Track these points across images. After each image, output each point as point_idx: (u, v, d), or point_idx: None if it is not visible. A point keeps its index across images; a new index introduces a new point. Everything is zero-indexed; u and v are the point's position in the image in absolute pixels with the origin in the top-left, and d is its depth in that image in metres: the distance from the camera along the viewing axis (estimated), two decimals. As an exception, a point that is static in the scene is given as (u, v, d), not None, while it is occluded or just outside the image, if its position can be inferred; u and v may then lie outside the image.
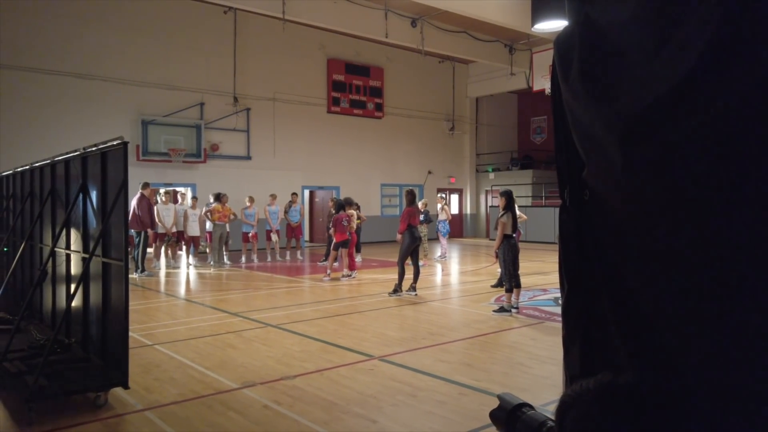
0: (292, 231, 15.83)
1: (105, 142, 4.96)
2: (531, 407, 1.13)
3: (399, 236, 9.96)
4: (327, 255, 14.77)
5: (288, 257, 15.97)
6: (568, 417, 0.82)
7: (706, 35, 0.72)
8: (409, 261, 9.86)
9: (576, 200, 1.08)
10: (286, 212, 15.69)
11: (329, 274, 12.03)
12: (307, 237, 20.98)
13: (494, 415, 1.21)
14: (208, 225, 14.50)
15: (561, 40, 1.10)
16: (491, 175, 26.05)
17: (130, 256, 11.75)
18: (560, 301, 1.20)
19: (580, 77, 0.99)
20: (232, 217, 14.25)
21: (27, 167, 7.84)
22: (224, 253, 14.55)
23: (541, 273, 12.54)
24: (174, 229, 14.19)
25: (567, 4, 1.12)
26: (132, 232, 12.27)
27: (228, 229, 14.78)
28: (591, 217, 1.04)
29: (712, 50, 0.72)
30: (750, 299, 0.73)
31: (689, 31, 0.75)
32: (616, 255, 0.97)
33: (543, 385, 5.11)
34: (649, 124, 0.82)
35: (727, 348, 0.75)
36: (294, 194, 16.27)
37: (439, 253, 16.31)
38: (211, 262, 14.18)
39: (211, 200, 14.49)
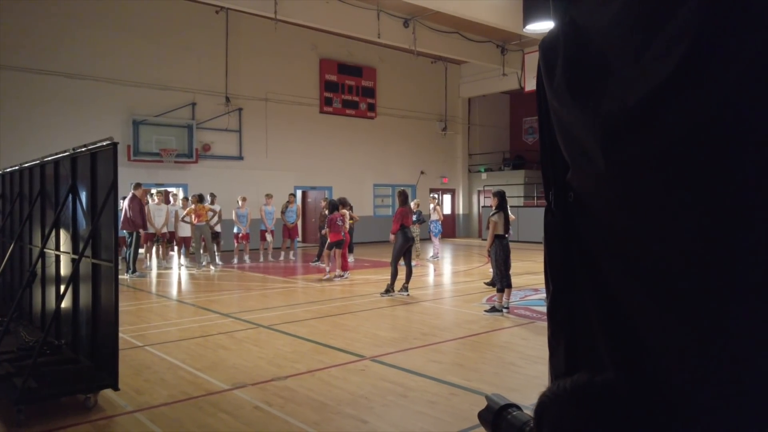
0: (289, 231, 15.80)
1: (94, 143, 4.93)
2: (518, 408, 1.14)
3: (392, 236, 9.97)
4: (319, 255, 14.76)
5: (282, 257, 15.93)
6: (545, 417, 0.83)
7: (686, 41, 0.73)
8: (401, 261, 9.87)
9: (561, 202, 1.09)
10: (283, 213, 15.66)
11: (328, 274, 11.98)
12: (300, 237, 20.96)
13: (482, 416, 1.22)
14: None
15: (546, 44, 1.11)
16: (483, 176, 26.11)
17: (120, 257, 11.72)
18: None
19: (564, 80, 1.00)
20: (211, 214, 14.11)
21: (16, 168, 7.79)
22: (216, 253, 14.47)
23: (533, 273, 12.58)
24: (164, 230, 14.13)
25: (552, 8, 1.13)
26: (124, 232, 12.21)
27: (219, 229, 14.71)
28: (575, 218, 1.04)
29: (691, 55, 0.73)
30: (731, 300, 0.73)
31: (669, 37, 0.76)
32: (599, 256, 0.98)
33: (533, 385, 5.13)
34: (630, 126, 0.83)
35: (706, 349, 0.76)
36: (291, 195, 16.25)
37: (431, 254, 16.33)
38: (203, 263, 14.11)
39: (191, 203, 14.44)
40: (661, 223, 0.83)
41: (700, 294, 0.77)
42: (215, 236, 14.57)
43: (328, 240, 12.11)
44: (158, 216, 13.87)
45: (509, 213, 8.83)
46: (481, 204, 25.49)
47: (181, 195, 16.38)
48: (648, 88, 0.81)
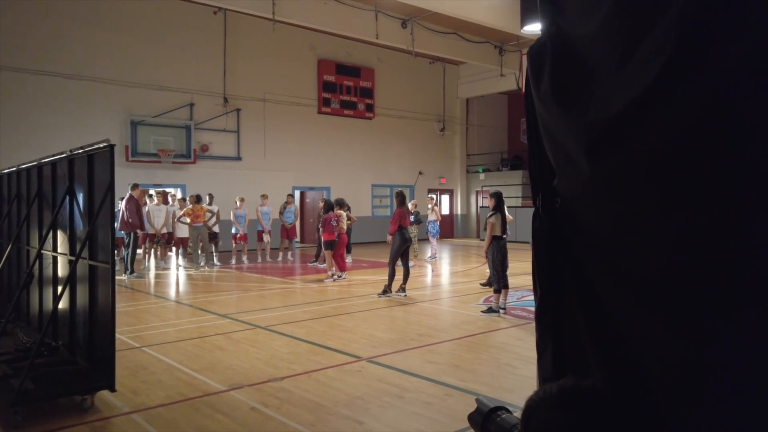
0: (287, 232, 15.79)
1: (91, 144, 4.94)
2: (507, 410, 1.15)
3: (389, 237, 9.98)
4: (317, 256, 14.76)
5: (280, 258, 15.92)
6: (532, 420, 0.84)
7: (668, 49, 0.75)
8: (399, 262, 9.87)
9: (548, 207, 1.10)
10: (281, 213, 15.64)
11: (332, 277, 11.92)
12: (298, 238, 20.96)
13: (471, 418, 1.23)
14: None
15: (534, 51, 1.12)
16: (481, 176, 26.13)
17: (118, 258, 11.69)
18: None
19: (551, 88, 1.01)
20: (209, 215, 14.09)
21: (14, 169, 7.79)
22: (214, 254, 14.46)
23: (530, 273, 12.54)
24: (164, 231, 14.12)
25: (540, 16, 1.14)
26: (122, 233, 12.20)
27: (217, 230, 14.69)
28: (562, 224, 1.05)
29: (673, 63, 0.74)
30: (713, 305, 0.75)
31: (652, 45, 0.77)
32: (585, 261, 0.99)
33: (529, 386, 5.12)
34: (614, 134, 0.84)
35: (691, 354, 0.77)
36: (289, 195, 16.23)
37: (429, 254, 16.33)
38: (201, 264, 14.10)
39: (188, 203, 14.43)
40: (645, 229, 0.84)
41: (685, 299, 0.78)
42: (213, 237, 14.56)
43: (323, 240, 12.11)
44: (158, 217, 13.88)
45: (507, 214, 8.84)
46: (479, 204, 25.52)
47: (179, 195, 16.37)
48: (631, 96, 0.82)
